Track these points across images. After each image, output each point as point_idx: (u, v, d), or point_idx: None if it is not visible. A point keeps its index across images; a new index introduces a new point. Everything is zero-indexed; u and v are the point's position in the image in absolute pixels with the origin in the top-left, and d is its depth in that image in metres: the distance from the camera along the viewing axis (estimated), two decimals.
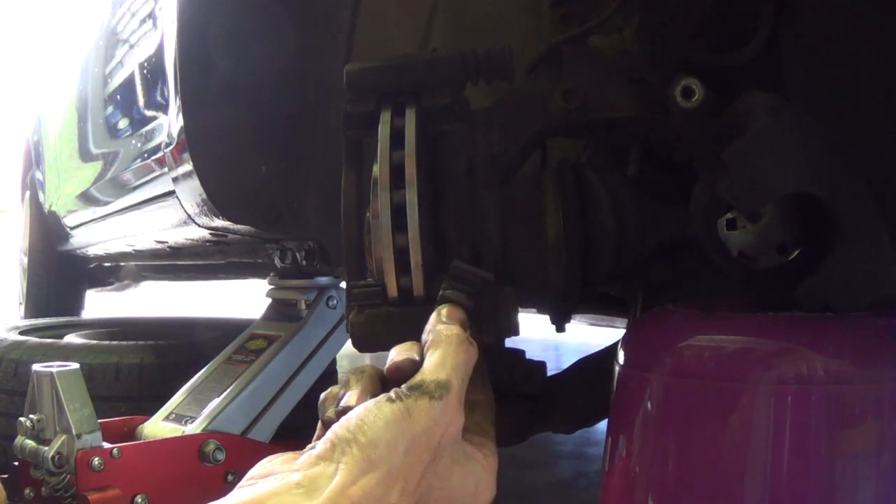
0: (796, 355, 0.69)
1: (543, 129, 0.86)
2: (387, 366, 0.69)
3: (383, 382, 0.69)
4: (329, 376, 1.73)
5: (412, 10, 1.19)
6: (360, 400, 0.66)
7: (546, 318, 0.97)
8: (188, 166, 1.25)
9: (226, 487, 1.13)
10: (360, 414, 0.62)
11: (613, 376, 0.80)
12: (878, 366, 0.69)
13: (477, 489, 0.68)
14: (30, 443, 1.30)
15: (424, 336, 0.69)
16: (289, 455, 0.64)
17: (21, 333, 2.16)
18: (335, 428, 0.63)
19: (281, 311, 1.78)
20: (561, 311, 0.93)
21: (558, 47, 0.88)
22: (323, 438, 0.63)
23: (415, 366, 0.67)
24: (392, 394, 0.64)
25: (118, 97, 1.86)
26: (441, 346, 0.67)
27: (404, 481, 0.62)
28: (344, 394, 0.68)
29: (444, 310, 0.71)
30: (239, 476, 0.65)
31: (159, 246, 2.09)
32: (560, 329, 0.95)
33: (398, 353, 0.69)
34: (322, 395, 0.71)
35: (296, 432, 1.46)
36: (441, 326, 0.69)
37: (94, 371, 1.74)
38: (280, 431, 1.54)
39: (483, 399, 0.75)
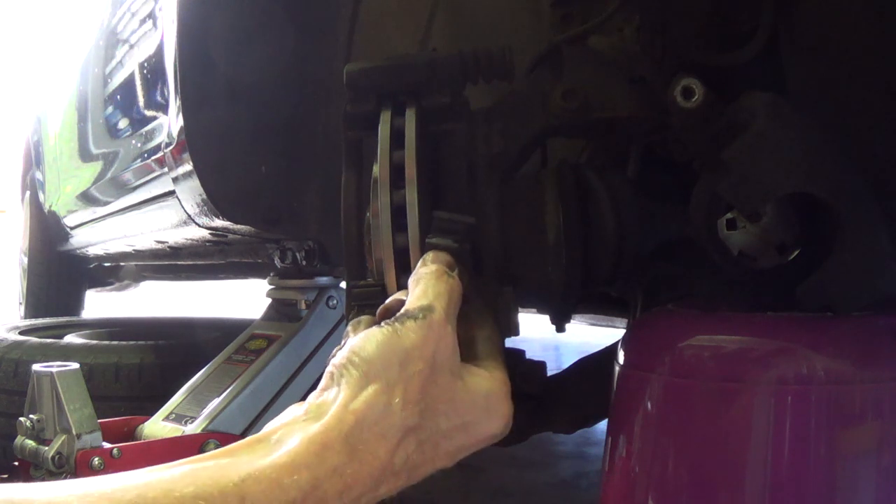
0: (796, 355, 0.69)
1: (543, 129, 0.86)
2: (378, 310, 0.73)
3: None
4: None
5: (412, 10, 1.19)
6: None
7: (546, 318, 0.97)
8: (188, 166, 1.25)
9: None
10: (352, 342, 0.65)
11: (613, 376, 0.80)
12: (878, 366, 0.69)
13: (488, 402, 0.69)
14: (30, 443, 1.30)
15: (409, 281, 0.72)
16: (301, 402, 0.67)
17: (21, 333, 2.16)
18: (332, 361, 0.65)
19: (281, 311, 1.78)
20: (561, 311, 0.93)
21: (558, 47, 0.88)
22: (324, 375, 0.65)
23: (402, 305, 0.70)
24: (381, 323, 0.67)
25: (118, 97, 1.86)
26: (422, 282, 0.70)
27: (404, 391, 0.63)
28: (345, 343, 0.70)
29: (428, 256, 0.73)
30: None
31: (159, 246, 2.09)
32: (560, 329, 0.95)
33: (389, 299, 0.73)
34: (331, 355, 0.73)
35: None
36: (423, 268, 0.72)
37: (94, 371, 1.74)
38: None
39: (485, 333, 0.75)
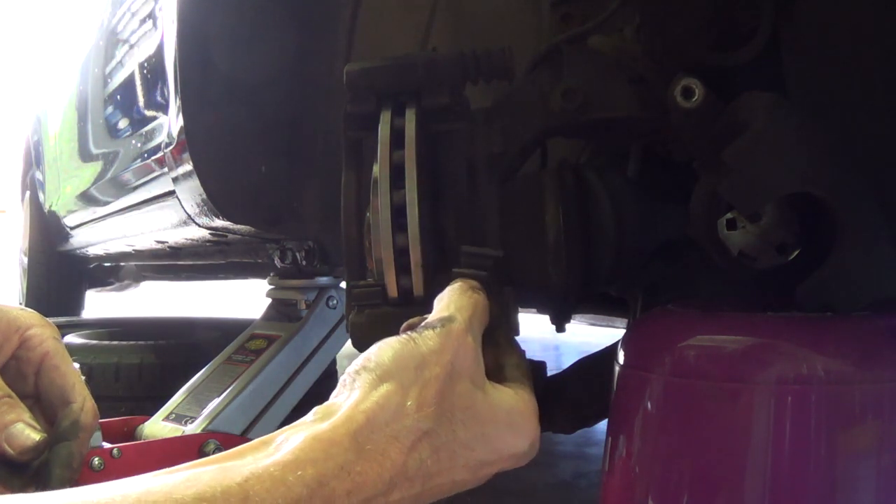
0: (796, 355, 0.69)
1: (543, 129, 0.86)
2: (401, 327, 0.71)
3: None
4: (329, 376, 1.73)
5: (412, 10, 1.19)
6: None
7: (546, 318, 0.97)
8: (188, 166, 1.25)
9: None
10: (369, 350, 0.64)
11: (613, 376, 0.80)
12: (878, 366, 0.69)
13: (510, 417, 0.67)
14: None
15: (435, 301, 0.70)
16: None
17: None
18: (347, 370, 0.63)
19: (281, 311, 1.78)
20: (561, 311, 0.93)
21: (558, 47, 0.88)
22: (338, 384, 0.63)
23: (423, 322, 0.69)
24: (400, 335, 0.65)
25: (118, 97, 1.86)
26: (445, 297, 0.69)
27: (419, 393, 0.61)
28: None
29: (457, 283, 0.72)
30: None
31: (159, 246, 2.09)
32: (560, 329, 0.95)
33: (414, 319, 0.71)
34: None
35: None
36: (448, 288, 0.71)
37: (94, 371, 1.74)
38: None
39: (514, 360, 0.74)
